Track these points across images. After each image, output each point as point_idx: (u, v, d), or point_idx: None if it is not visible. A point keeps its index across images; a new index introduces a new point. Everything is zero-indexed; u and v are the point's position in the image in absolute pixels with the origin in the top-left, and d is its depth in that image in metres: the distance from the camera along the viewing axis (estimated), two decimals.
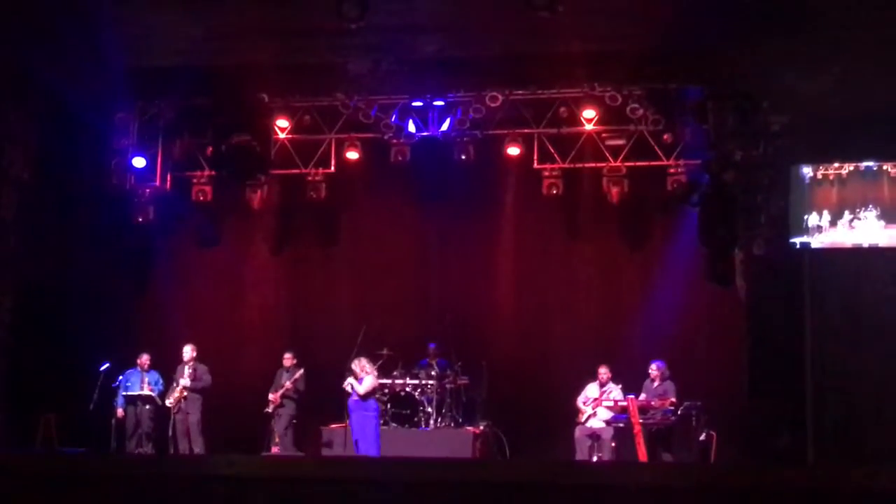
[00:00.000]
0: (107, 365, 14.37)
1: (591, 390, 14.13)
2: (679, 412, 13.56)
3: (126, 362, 14.72)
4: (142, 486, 5.96)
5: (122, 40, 12.60)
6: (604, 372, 14.04)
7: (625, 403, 13.64)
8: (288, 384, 14.61)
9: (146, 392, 14.55)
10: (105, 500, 5.87)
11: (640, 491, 5.54)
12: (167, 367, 14.86)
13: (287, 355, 14.83)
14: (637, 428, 13.34)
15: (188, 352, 14.67)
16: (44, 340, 14.10)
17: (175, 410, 14.51)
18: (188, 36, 12.73)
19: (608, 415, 13.89)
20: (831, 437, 12.25)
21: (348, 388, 13.40)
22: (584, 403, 14.10)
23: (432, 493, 5.46)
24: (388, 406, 14.50)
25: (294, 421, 14.74)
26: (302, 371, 14.66)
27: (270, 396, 14.66)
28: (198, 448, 14.43)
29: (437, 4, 11.79)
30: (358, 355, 13.76)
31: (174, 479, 5.92)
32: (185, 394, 14.52)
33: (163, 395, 14.67)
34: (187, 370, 14.57)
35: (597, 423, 13.95)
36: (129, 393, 14.51)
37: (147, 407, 14.59)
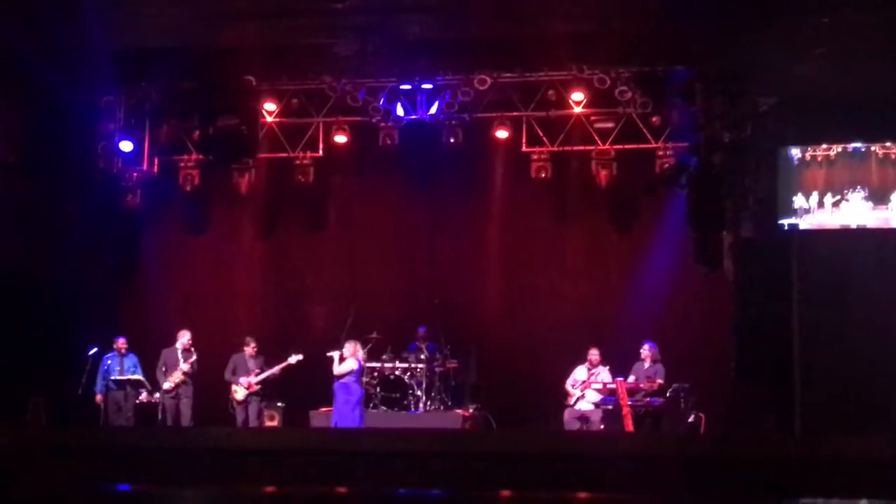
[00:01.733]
0: (95, 349, 14.32)
1: (580, 373, 14.14)
2: (668, 394, 13.57)
3: (111, 347, 14.64)
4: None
5: (107, 22, 12.54)
6: (594, 354, 14.04)
7: (613, 386, 13.64)
8: (276, 370, 14.53)
9: (135, 377, 14.47)
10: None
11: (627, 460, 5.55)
12: (155, 351, 14.76)
13: (253, 344, 14.70)
14: (626, 410, 13.34)
15: (187, 337, 14.56)
16: (31, 324, 14.05)
17: (172, 395, 14.43)
18: (175, 18, 12.69)
19: (597, 397, 13.90)
20: (818, 418, 12.30)
21: (330, 357, 13.50)
22: (573, 386, 14.11)
23: (416, 463, 5.47)
24: (378, 389, 14.51)
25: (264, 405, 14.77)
26: (301, 357, 14.56)
27: (243, 381, 14.51)
28: None
29: None
30: (347, 338, 13.77)
31: (167, 451, 5.92)
32: (185, 379, 14.44)
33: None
34: (183, 354, 14.47)
35: (586, 406, 13.96)
36: (118, 377, 14.42)
37: (133, 391, 14.50)
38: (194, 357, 14.46)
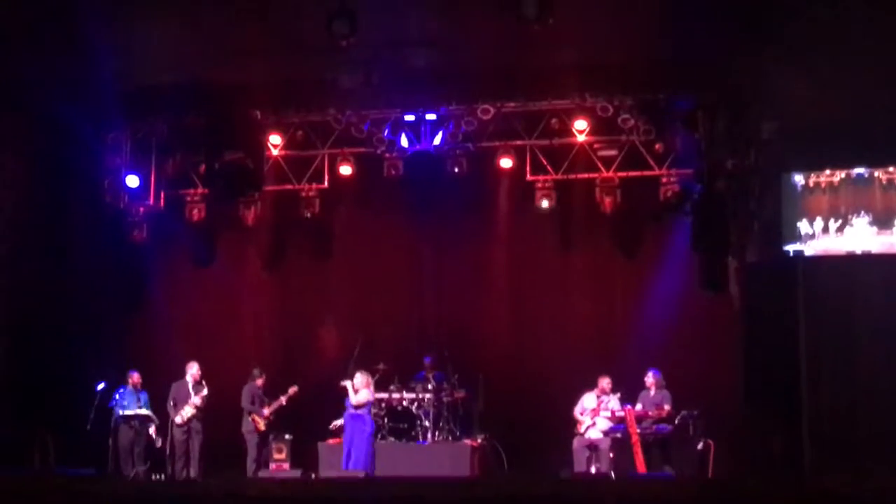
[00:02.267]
0: (103, 384, 14.29)
1: (589, 400, 14.11)
2: (676, 421, 13.55)
3: (122, 381, 14.62)
4: None
5: (115, 59, 12.64)
6: (606, 383, 14.01)
7: (622, 413, 13.63)
8: (283, 399, 14.61)
9: (144, 411, 14.47)
10: None
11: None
12: (164, 384, 14.79)
13: (263, 377, 14.79)
14: (635, 438, 13.33)
15: (196, 369, 14.59)
16: (39, 359, 14.09)
17: (184, 429, 14.44)
18: (181, 54, 12.79)
19: (606, 425, 13.89)
20: (827, 443, 12.28)
21: (344, 387, 13.48)
22: (582, 413, 14.09)
23: None
24: (386, 420, 14.49)
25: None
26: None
27: (266, 412, 14.60)
28: (194, 468, 14.40)
29: (426, 19, 11.85)
30: (355, 368, 13.79)
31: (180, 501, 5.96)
32: (196, 413, 14.47)
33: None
34: (194, 387, 14.50)
35: (595, 434, 13.92)
36: (128, 412, 14.41)
37: (143, 426, 14.52)
38: (205, 391, 14.50)
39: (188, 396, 14.45)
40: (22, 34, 12.56)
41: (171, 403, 14.48)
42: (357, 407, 13.38)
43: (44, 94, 13.34)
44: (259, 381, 14.72)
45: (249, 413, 14.60)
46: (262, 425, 14.57)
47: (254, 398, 14.67)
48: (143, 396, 14.57)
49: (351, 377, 13.62)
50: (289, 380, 14.85)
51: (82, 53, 12.63)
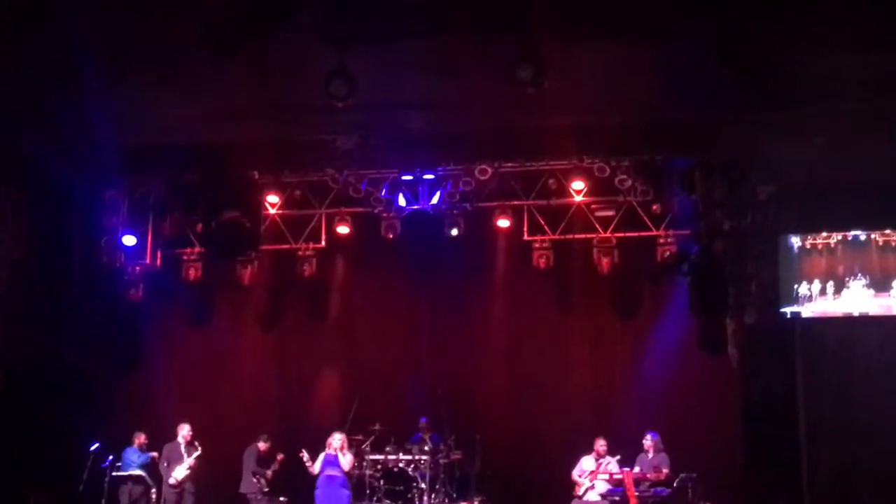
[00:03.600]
0: (97, 444, 14.22)
1: (587, 463, 14.03)
2: (675, 484, 13.43)
3: (117, 441, 14.55)
4: None
5: (112, 119, 12.67)
6: (601, 445, 13.94)
7: (620, 476, 13.52)
8: (277, 465, 14.64)
9: (137, 472, 14.39)
10: None
11: None
12: (159, 444, 14.72)
13: (269, 444, 14.75)
14: (633, 501, 13.21)
15: (187, 429, 14.60)
16: (34, 419, 13.97)
17: (177, 490, 14.36)
18: (178, 114, 12.79)
19: (604, 488, 13.77)
20: None
21: (334, 453, 13.39)
22: (581, 476, 13.99)
23: None
24: (381, 482, 14.39)
25: None
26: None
27: (269, 474, 14.58)
28: None
29: (424, 81, 11.88)
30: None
31: None
32: (189, 475, 14.42)
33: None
34: (187, 448, 14.47)
35: (593, 497, 13.82)
36: (125, 473, 14.32)
37: (140, 487, 14.43)
38: (199, 451, 14.44)
39: (181, 457, 14.42)
40: (19, 95, 12.61)
41: (165, 464, 14.41)
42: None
43: (41, 154, 13.36)
44: (261, 445, 14.70)
45: (255, 474, 14.52)
46: (264, 486, 14.56)
47: (258, 460, 14.66)
48: (145, 458, 14.50)
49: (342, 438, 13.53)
50: (284, 440, 14.77)
51: (81, 113, 12.65)
